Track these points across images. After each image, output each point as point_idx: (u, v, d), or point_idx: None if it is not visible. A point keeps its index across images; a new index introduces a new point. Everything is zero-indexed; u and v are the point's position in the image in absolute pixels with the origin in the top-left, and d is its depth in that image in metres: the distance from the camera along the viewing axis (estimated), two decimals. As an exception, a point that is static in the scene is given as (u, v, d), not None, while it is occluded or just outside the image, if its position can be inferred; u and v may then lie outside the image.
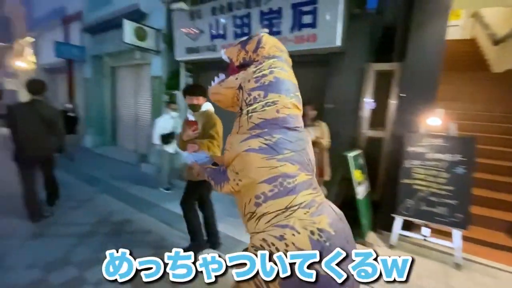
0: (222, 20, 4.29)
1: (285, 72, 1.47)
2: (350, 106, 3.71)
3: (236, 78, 1.53)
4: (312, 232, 1.16)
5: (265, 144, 1.29)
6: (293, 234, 1.16)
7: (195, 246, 2.49)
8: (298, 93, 1.50)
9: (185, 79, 5.37)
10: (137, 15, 5.85)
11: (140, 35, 5.36)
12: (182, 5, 4.43)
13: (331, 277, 1.08)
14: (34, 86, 3.07)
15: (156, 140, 4.47)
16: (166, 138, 4.38)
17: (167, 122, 4.52)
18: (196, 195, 2.53)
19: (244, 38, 1.62)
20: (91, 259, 2.48)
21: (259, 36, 1.54)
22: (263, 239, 1.23)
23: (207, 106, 2.60)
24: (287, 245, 1.15)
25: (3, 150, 4.44)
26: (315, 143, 3.12)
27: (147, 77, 6.91)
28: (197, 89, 2.55)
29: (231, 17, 4.17)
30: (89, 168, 5.69)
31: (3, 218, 3.20)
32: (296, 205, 1.24)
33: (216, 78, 1.70)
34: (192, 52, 4.83)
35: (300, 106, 1.48)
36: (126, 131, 8.00)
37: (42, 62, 11.38)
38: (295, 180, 1.27)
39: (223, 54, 1.74)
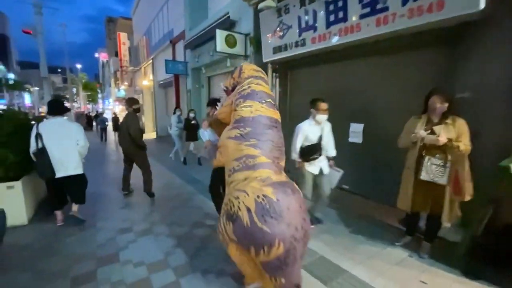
0: (313, 10, 3.86)
1: (259, 86, 2.12)
2: (499, 95, 2.59)
3: (229, 98, 2.25)
4: (258, 196, 1.66)
5: (239, 133, 1.92)
6: (245, 196, 1.69)
7: None
8: (270, 100, 2.08)
9: (273, 79, 5.21)
10: (228, 24, 6.12)
11: (230, 42, 5.54)
12: (269, 2, 4.25)
13: (261, 227, 1.59)
14: (128, 102, 4.43)
15: (295, 154, 3.17)
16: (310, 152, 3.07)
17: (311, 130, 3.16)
18: (219, 181, 3.05)
19: (233, 69, 2.44)
20: (186, 265, 2.52)
21: (240, 66, 2.37)
22: (228, 198, 1.80)
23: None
24: (239, 203, 1.69)
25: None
26: (445, 148, 2.29)
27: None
28: (211, 102, 3.46)
29: (323, 3, 3.69)
30: (195, 171, 6.27)
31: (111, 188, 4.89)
32: (252, 178, 1.77)
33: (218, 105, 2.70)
34: (280, 51, 4.60)
35: (272, 108, 2.07)
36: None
37: (157, 79, 13.85)
38: (255, 160, 1.83)
39: (222, 86, 2.58)
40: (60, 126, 3.17)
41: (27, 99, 45.61)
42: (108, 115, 21.96)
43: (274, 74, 5.19)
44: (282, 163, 2.02)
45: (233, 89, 2.36)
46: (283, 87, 5.17)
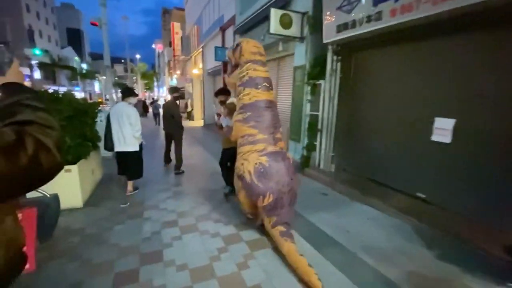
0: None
1: (255, 72, 2.77)
2: None
3: (234, 73, 3.10)
4: (255, 163, 2.54)
5: (242, 118, 2.75)
6: (248, 163, 2.59)
7: (232, 189, 3.64)
8: (265, 83, 2.79)
9: (333, 64, 4.52)
10: (283, 2, 5.54)
11: (285, 22, 4.97)
12: (337, -31, 3.55)
13: (257, 184, 2.50)
14: (171, 90, 5.48)
15: None
16: None
17: None
18: (228, 157, 3.68)
19: (233, 45, 3.13)
20: (231, 276, 2.19)
21: (240, 45, 2.91)
22: (238, 164, 2.75)
23: (232, 100, 3.63)
24: (244, 167, 2.61)
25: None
26: None
27: (289, 69, 6.63)
28: (223, 91, 4.06)
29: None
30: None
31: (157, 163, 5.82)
32: (253, 150, 2.63)
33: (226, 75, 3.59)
34: (346, 28, 3.88)
35: (267, 91, 2.79)
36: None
37: (206, 67, 13.96)
38: (254, 137, 2.66)
39: (226, 56, 3.39)
40: (121, 109, 3.73)
41: (96, 87, 51.58)
42: (161, 102, 23.32)
43: (335, 57, 4.49)
44: (278, 135, 2.78)
45: (235, 65, 3.12)
46: (346, 73, 4.45)
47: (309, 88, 5.05)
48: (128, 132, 3.69)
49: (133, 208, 3.45)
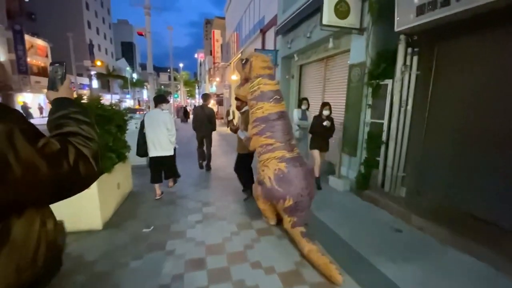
0: None
1: (266, 86, 2.93)
2: None
3: (245, 86, 3.20)
4: (275, 169, 2.71)
5: (257, 130, 2.91)
6: (268, 169, 2.77)
7: (249, 190, 3.75)
8: (276, 96, 2.94)
9: (406, 58, 3.51)
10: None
11: (341, 11, 4.10)
12: None
13: (278, 189, 2.67)
14: (204, 97, 6.00)
15: None
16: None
17: None
18: (241, 163, 3.89)
19: (243, 61, 3.19)
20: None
21: (250, 60, 3.08)
22: (259, 171, 2.92)
23: (246, 108, 3.53)
24: (264, 174, 2.79)
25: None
26: None
27: (340, 69, 5.69)
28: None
29: None
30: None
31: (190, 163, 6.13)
32: (272, 158, 2.79)
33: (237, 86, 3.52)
34: (432, 8, 2.88)
35: (278, 103, 2.93)
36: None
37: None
38: (273, 146, 2.81)
39: (235, 66, 3.72)
40: (157, 115, 3.78)
41: (145, 94, 55.65)
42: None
43: (409, 50, 3.48)
44: (293, 141, 2.96)
45: (245, 79, 3.26)
46: (424, 69, 3.41)
47: (370, 90, 4.08)
48: (164, 137, 3.77)
49: (156, 235, 2.89)
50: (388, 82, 3.77)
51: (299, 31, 6.56)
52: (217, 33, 22.74)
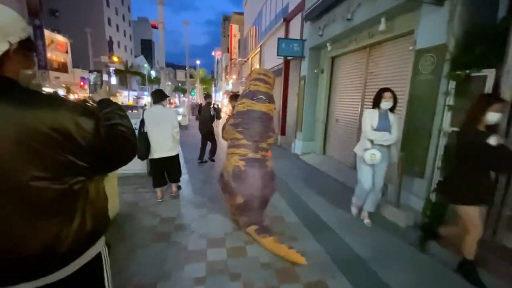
0: None
1: (255, 86, 2.92)
2: None
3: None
4: (235, 166, 2.77)
5: (233, 122, 2.91)
6: (229, 163, 2.85)
7: None
8: (262, 96, 2.86)
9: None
10: None
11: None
12: None
13: (231, 185, 2.79)
14: (205, 97, 6.85)
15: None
16: None
17: None
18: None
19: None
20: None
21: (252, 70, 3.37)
22: (223, 162, 3.11)
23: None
24: (225, 166, 2.96)
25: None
26: None
27: (391, 59, 4.42)
28: (234, 96, 4.18)
29: None
30: (292, 179, 4.96)
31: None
32: (235, 153, 2.82)
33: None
34: None
35: (262, 103, 2.85)
36: (344, 138, 6.05)
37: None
38: (239, 142, 2.83)
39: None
40: (158, 113, 3.53)
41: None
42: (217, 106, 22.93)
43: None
44: (262, 145, 2.85)
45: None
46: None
47: (452, 84, 2.82)
48: (169, 136, 3.54)
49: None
50: (488, 72, 2.50)
51: (336, 14, 5.33)
52: (234, 27, 21.74)
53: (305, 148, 7.22)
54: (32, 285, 0.75)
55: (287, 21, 8.87)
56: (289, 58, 8.29)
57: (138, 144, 3.07)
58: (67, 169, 0.77)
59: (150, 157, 3.52)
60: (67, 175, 0.77)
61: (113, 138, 0.89)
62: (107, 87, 1.17)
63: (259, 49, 13.21)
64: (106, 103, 1.08)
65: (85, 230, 0.83)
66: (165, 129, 3.48)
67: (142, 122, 3.46)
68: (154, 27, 12.54)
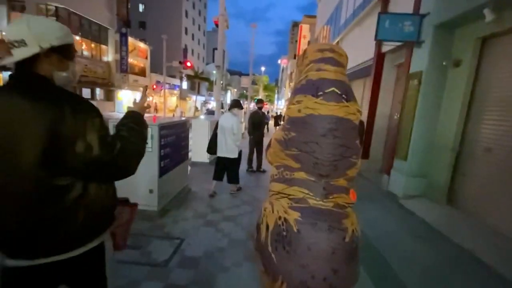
0: None
1: (319, 72, 1.39)
2: None
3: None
4: (279, 218, 1.30)
5: (283, 138, 1.41)
6: (270, 211, 1.37)
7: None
8: (334, 88, 1.32)
9: None
10: None
11: None
12: None
13: (270, 253, 1.28)
14: (258, 101, 6.74)
15: None
16: None
17: None
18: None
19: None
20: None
21: (305, 49, 1.62)
22: (263, 204, 1.53)
23: None
24: (264, 216, 1.40)
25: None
26: None
27: None
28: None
29: None
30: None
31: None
32: (285, 194, 1.37)
33: None
34: None
35: (335, 101, 1.29)
36: (493, 181, 3.18)
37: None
38: (293, 174, 1.39)
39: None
40: (227, 118, 4.07)
41: (228, 98, 57.89)
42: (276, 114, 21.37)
43: None
44: (338, 181, 1.34)
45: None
46: None
47: None
48: (230, 140, 4.00)
49: None
50: None
51: None
52: (305, 27, 19.63)
53: (411, 187, 4.45)
54: (45, 260, 0.89)
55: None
56: (388, 46, 5.67)
57: (211, 142, 4.13)
58: (66, 168, 0.85)
59: (217, 154, 4.12)
60: (66, 174, 0.86)
61: (108, 149, 0.91)
62: (143, 101, 1.24)
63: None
64: (130, 114, 1.15)
65: (89, 224, 0.95)
66: (228, 134, 3.98)
67: (217, 125, 4.10)
68: (216, 24, 11.76)
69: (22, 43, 0.84)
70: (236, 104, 4.32)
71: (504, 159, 3.29)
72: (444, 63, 4.11)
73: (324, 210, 1.33)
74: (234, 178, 4.31)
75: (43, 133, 0.79)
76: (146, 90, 1.32)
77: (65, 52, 0.95)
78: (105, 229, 1.03)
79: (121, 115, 1.15)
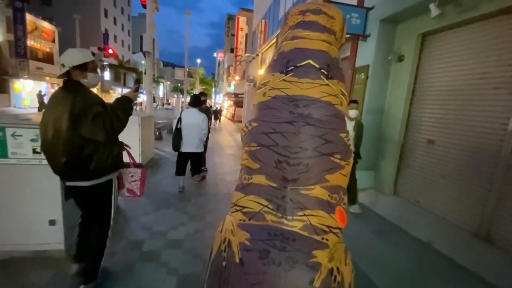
0: None
1: (293, 41, 1.12)
2: None
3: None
4: (223, 240, 0.99)
5: (243, 130, 1.15)
6: (219, 231, 1.07)
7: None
8: (311, 61, 1.02)
9: None
10: None
11: None
12: None
13: (207, 281, 1.02)
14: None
15: None
16: None
17: None
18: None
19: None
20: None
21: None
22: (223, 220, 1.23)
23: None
24: (217, 233, 1.09)
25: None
26: None
27: None
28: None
29: None
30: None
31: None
32: (239, 206, 1.04)
33: None
34: None
35: (309, 78, 1.01)
36: (454, 176, 3.35)
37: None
38: (251, 178, 1.05)
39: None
40: (193, 114, 4.03)
41: (160, 91, 53.09)
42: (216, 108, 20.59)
43: None
44: (313, 192, 0.94)
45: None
46: None
47: None
48: (197, 136, 4.03)
49: None
50: None
51: None
52: (242, 20, 19.16)
53: (360, 180, 4.49)
54: (80, 184, 1.66)
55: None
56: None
57: (175, 138, 4.07)
58: (80, 133, 1.56)
59: (180, 150, 4.06)
60: (81, 138, 1.56)
61: (99, 125, 1.57)
62: (135, 89, 1.94)
63: (275, 39, 10.59)
64: (121, 99, 1.82)
65: (99, 167, 1.65)
66: (195, 129, 3.99)
67: (179, 120, 3.99)
68: (143, 5, 10.26)
69: (63, 65, 1.64)
70: (198, 102, 4.31)
71: (444, 149, 3.48)
72: (389, 57, 4.18)
73: (286, 233, 0.90)
74: (198, 170, 4.49)
75: (69, 110, 1.51)
76: (139, 83, 2.00)
77: (82, 67, 1.68)
78: (110, 172, 1.74)
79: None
